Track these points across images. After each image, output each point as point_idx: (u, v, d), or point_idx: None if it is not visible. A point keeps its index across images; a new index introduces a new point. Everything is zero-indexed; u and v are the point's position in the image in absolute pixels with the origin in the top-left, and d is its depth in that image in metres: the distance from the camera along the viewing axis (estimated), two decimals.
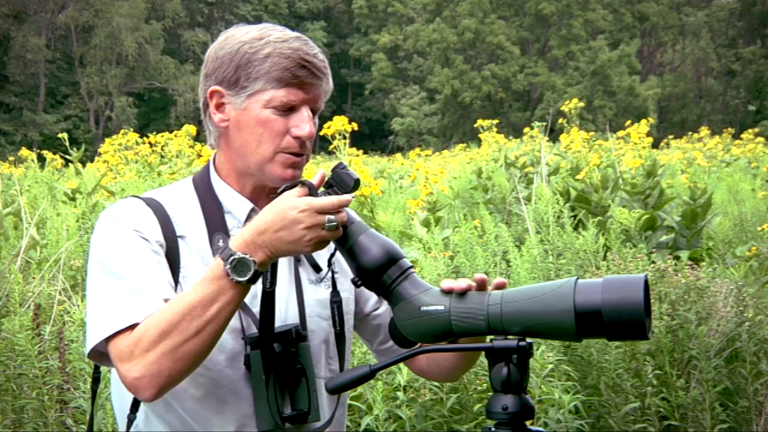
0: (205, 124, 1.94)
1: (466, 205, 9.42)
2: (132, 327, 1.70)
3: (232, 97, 1.86)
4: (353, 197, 1.73)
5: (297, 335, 1.84)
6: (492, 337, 1.66)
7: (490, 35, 50.97)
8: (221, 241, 1.84)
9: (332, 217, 1.66)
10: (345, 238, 1.71)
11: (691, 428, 4.47)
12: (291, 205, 1.66)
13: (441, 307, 1.66)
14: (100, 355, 1.77)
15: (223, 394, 1.83)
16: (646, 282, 1.58)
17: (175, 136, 9.48)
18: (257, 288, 1.82)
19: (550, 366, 3.99)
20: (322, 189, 1.72)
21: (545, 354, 4.05)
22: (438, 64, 51.65)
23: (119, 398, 1.90)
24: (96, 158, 11.21)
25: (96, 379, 2.01)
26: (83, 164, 11.24)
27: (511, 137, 18.84)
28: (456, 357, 1.97)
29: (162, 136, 9.69)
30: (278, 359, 1.81)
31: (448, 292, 1.69)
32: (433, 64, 52.24)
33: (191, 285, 1.71)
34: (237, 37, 1.86)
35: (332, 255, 1.88)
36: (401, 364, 3.81)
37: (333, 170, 1.73)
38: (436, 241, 5.58)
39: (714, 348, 4.50)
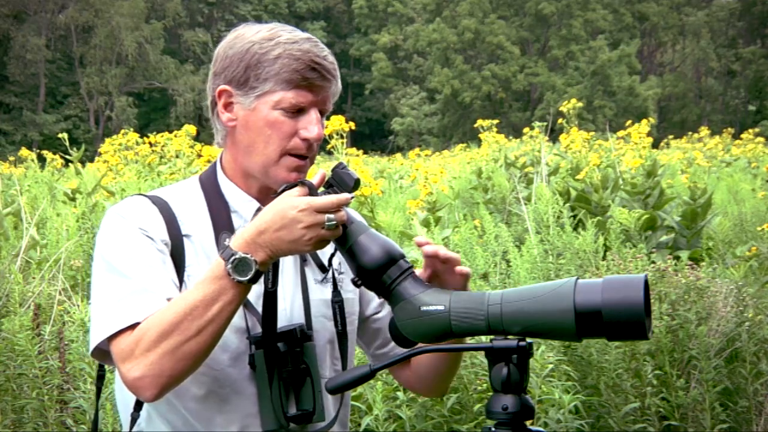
0: (213, 123, 1.94)
1: (466, 205, 9.42)
2: (134, 326, 1.70)
3: (240, 97, 1.85)
4: (353, 196, 1.73)
5: (302, 335, 1.84)
6: (492, 337, 1.66)
7: (490, 35, 50.98)
8: (227, 240, 1.84)
9: (332, 216, 1.66)
10: (345, 238, 1.71)
11: (691, 428, 4.47)
12: (291, 204, 1.66)
13: (441, 307, 1.66)
14: (104, 353, 1.77)
15: (227, 393, 1.83)
16: (646, 282, 1.58)
17: (175, 136, 9.47)
18: (262, 288, 1.83)
19: (550, 366, 3.99)
20: (322, 189, 1.72)
21: (545, 354, 4.05)
22: (438, 64, 51.66)
23: (122, 397, 1.90)
24: (96, 158, 11.22)
25: (100, 376, 2.01)
26: (83, 164, 11.25)
27: (511, 137, 18.84)
28: (440, 366, 1.97)
29: (162, 136, 9.68)
30: (283, 359, 1.81)
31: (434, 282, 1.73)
32: (433, 64, 52.25)
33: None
34: (247, 36, 1.86)
35: (332, 255, 1.88)
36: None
37: (333, 170, 1.74)
38: (436, 241, 5.58)
39: (714, 348, 4.50)
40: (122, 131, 10.65)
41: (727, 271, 5.31)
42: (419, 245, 1.77)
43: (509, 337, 1.64)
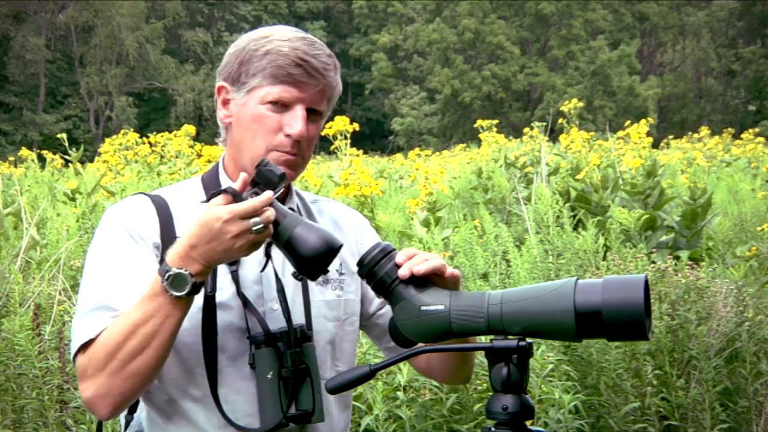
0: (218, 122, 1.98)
1: (466, 205, 9.41)
2: (89, 343, 1.73)
3: (234, 93, 1.88)
4: (280, 191, 1.71)
5: (302, 335, 1.84)
6: (492, 337, 1.66)
7: (490, 35, 50.95)
8: None
9: (257, 219, 1.64)
10: (279, 234, 1.69)
11: (691, 428, 4.47)
12: (215, 216, 1.64)
13: (441, 307, 1.66)
14: None
15: (224, 393, 1.83)
16: (646, 282, 1.58)
17: (175, 136, 9.47)
18: (263, 288, 1.83)
19: (550, 366, 3.99)
20: (249, 189, 1.70)
21: (545, 354, 4.05)
22: (438, 64, 51.63)
23: None
24: (96, 158, 11.20)
25: None
26: (83, 164, 11.24)
27: (511, 137, 18.84)
28: (448, 359, 1.97)
29: (162, 136, 9.68)
30: (282, 359, 1.82)
31: (440, 287, 1.70)
32: (433, 64, 52.22)
33: None
34: (248, 35, 1.89)
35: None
36: (402, 364, 3.81)
37: (257, 168, 1.72)
38: (436, 241, 5.58)
39: (714, 348, 4.50)
40: (122, 131, 10.64)
41: (727, 271, 5.31)
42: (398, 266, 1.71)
43: (509, 337, 1.64)
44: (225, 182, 1.91)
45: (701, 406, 4.44)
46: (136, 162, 9.62)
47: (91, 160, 13.70)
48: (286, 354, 1.82)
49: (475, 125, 13.55)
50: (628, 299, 1.56)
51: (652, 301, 2.80)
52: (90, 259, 1.84)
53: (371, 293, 2.01)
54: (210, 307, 1.79)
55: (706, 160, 15.50)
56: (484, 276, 5.27)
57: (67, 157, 10.31)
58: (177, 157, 9.22)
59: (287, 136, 1.83)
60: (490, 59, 51.62)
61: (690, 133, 25.27)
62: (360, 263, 1.72)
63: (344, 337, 1.97)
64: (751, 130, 21.99)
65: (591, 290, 1.58)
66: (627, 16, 53.91)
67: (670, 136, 26.21)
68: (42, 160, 14.13)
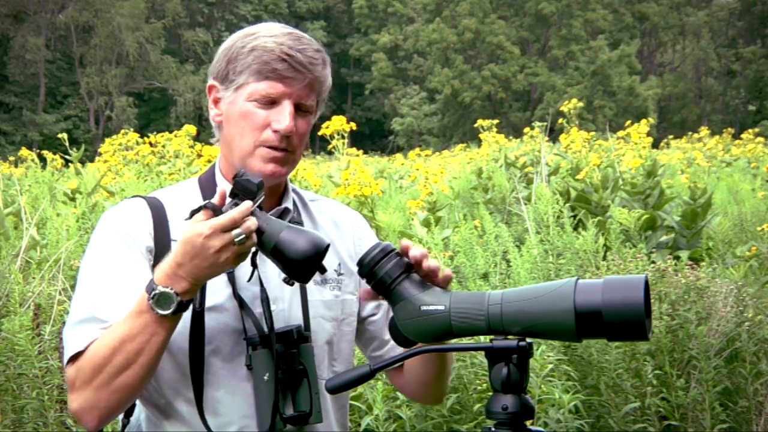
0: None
1: (466, 205, 9.41)
2: (78, 355, 1.74)
3: (224, 92, 1.87)
4: (260, 199, 1.70)
5: (299, 336, 1.84)
6: (492, 337, 1.66)
7: (490, 35, 50.97)
8: None
9: (239, 230, 1.64)
10: (265, 242, 1.69)
11: (691, 428, 4.47)
12: (196, 232, 1.65)
13: (441, 307, 1.66)
14: None
15: (221, 395, 1.83)
16: (646, 282, 1.58)
17: (175, 136, 9.46)
18: (258, 289, 1.83)
19: (550, 366, 3.99)
20: (229, 200, 1.70)
21: (545, 354, 4.05)
22: (438, 64, 51.64)
23: None
24: (96, 158, 11.20)
25: None
26: (83, 164, 11.23)
27: (511, 137, 18.82)
28: (425, 374, 1.96)
29: (162, 136, 9.67)
30: (280, 360, 1.81)
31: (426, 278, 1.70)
32: (433, 64, 52.23)
33: None
34: (237, 33, 1.89)
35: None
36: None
37: (234, 179, 1.72)
38: (436, 241, 5.57)
39: (714, 348, 4.50)
40: (122, 131, 10.64)
41: (727, 271, 5.31)
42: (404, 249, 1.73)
43: (509, 337, 1.64)
44: (221, 182, 1.91)
45: (701, 406, 4.44)
46: (136, 162, 9.62)
47: (91, 160, 13.70)
48: (283, 355, 1.81)
49: (475, 125, 13.54)
50: (628, 299, 1.56)
51: (652, 301, 2.80)
52: (83, 266, 1.84)
53: None
54: (198, 322, 1.79)
55: (706, 160, 15.50)
56: (484, 276, 5.27)
57: (67, 157, 10.31)
58: (177, 157, 9.21)
59: (275, 131, 1.82)
60: (490, 59, 51.63)
61: (690, 133, 25.27)
62: (360, 263, 1.72)
63: (342, 338, 1.97)
64: (751, 130, 22.00)
65: (591, 290, 1.58)
66: (627, 16, 53.93)
67: (670, 136, 26.21)
68: (42, 160, 14.12)
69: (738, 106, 55.10)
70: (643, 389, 4.41)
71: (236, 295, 1.83)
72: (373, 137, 55.56)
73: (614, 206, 7.31)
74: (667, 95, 53.48)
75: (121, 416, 1.90)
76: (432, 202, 7.10)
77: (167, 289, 1.66)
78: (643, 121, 9.71)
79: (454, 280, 4.87)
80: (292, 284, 1.74)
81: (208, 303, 1.81)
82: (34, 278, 4.99)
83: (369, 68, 57.98)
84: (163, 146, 9.48)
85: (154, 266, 1.82)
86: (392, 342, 1.98)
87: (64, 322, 4.17)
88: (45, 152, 14.12)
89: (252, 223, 1.65)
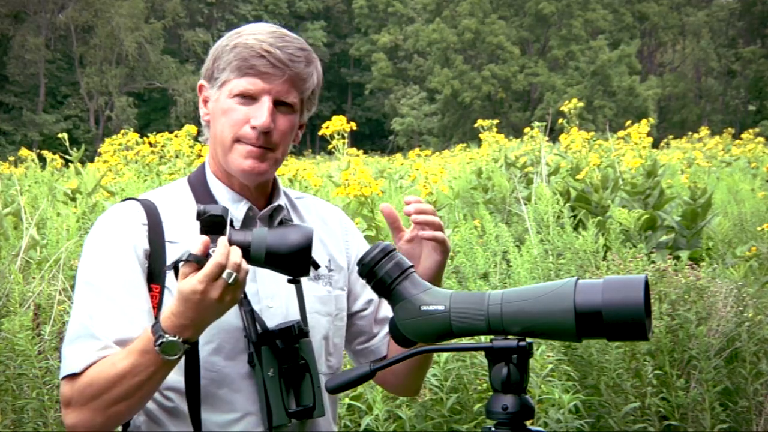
0: None
1: (466, 205, 9.41)
2: (75, 375, 1.75)
3: (209, 90, 1.90)
4: (234, 231, 1.70)
5: (299, 331, 1.85)
6: (492, 336, 1.66)
7: (490, 35, 50.96)
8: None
9: (228, 271, 1.64)
10: (255, 258, 1.70)
11: (691, 428, 4.47)
12: (191, 290, 1.65)
13: (441, 307, 1.66)
14: None
15: (224, 393, 1.84)
16: (646, 282, 1.58)
17: (175, 136, 9.46)
18: (258, 285, 1.83)
19: (550, 366, 3.99)
20: (204, 239, 1.68)
21: (545, 354, 4.05)
22: (438, 64, 51.64)
23: None
24: (96, 158, 11.20)
25: None
26: (83, 164, 11.24)
27: (511, 137, 18.82)
28: (412, 365, 2.00)
29: (162, 137, 9.67)
30: (282, 356, 1.82)
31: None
32: (433, 64, 52.23)
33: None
34: (227, 33, 1.91)
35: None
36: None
37: (198, 219, 1.70)
38: None
39: (714, 348, 4.50)
40: (122, 131, 10.63)
41: (727, 271, 5.31)
42: (407, 203, 1.85)
43: (509, 337, 1.64)
44: (211, 182, 1.93)
45: (701, 406, 4.44)
46: (136, 162, 9.62)
47: (91, 160, 13.70)
48: (285, 350, 1.82)
49: (475, 125, 13.54)
50: (628, 299, 1.56)
51: (652, 301, 2.80)
52: (80, 276, 1.84)
53: (356, 291, 2.03)
54: (193, 352, 1.79)
55: (706, 160, 15.49)
56: (484, 276, 5.27)
57: (67, 157, 10.31)
58: (177, 157, 9.21)
59: (253, 128, 1.83)
60: (490, 59, 51.63)
61: (690, 133, 25.27)
62: (360, 263, 1.72)
63: (336, 333, 1.99)
64: (751, 130, 21.98)
65: (591, 290, 1.58)
66: (627, 16, 53.92)
67: (670, 136, 26.20)
68: (42, 160, 14.12)
69: (738, 106, 55.09)
70: (643, 389, 4.41)
71: None
72: (373, 137, 55.56)
73: (614, 206, 7.31)
74: (667, 95, 53.48)
75: None
76: (432, 202, 7.10)
77: (175, 339, 1.67)
78: (643, 121, 9.71)
79: (454, 280, 4.87)
80: (298, 282, 1.75)
81: None
82: (34, 278, 4.99)
83: (369, 68, 57.97)
84: (164, 146, 9.48)
85: (149, 268, 1.83)
86: (380, 334, 2.02)
87: (64, 322, 4.18)
88: (45, 152, 14.12)
89: (236, 256, 1.66)
